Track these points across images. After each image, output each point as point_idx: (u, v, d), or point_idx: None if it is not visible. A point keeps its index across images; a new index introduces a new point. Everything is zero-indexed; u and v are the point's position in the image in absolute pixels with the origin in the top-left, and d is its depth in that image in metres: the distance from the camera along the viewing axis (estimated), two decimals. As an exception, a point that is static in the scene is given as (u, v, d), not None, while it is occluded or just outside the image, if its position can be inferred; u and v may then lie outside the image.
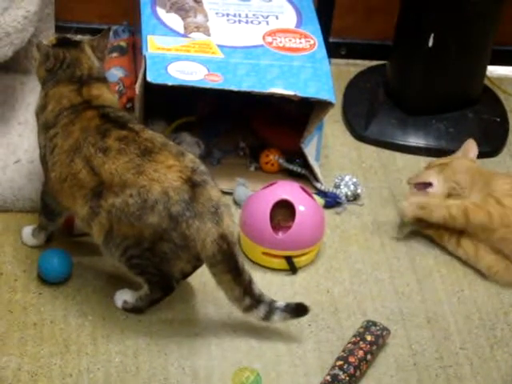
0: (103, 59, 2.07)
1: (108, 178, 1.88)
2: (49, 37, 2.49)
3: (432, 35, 2.46)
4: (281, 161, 2.40)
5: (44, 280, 2.07)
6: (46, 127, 2.00)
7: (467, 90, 2.62)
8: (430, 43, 2.47)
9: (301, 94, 2.24)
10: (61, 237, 2.17)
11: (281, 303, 1.95)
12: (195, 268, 1.99)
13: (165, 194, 1.86)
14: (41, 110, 2.03)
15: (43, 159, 2.02)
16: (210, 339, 2.00)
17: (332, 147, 2.54)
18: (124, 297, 2.02)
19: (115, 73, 2.56)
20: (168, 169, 1.87)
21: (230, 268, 1.88)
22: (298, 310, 1.96)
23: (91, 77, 2.03)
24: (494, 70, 2.81)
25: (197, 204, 1.86)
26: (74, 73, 2.01)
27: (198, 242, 1.87)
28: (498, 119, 2.64)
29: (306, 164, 2.38)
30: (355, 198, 2.38)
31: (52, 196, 2.01)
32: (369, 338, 1.98)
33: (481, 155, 2.51)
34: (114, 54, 2.62)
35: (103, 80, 2.06)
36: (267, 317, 1.94)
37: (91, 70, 2.03)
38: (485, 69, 2.63)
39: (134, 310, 2.02)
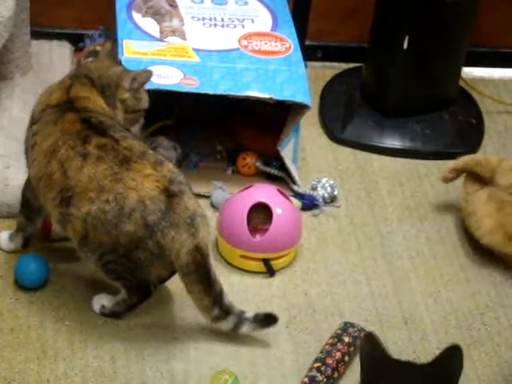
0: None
1: (85, 181, 1.87)
2: (24, 42, 2.50)
3: (407, 37, 2.47)
4: (258, 164, 2.41)
5: (21, 285, 2.06)
6: (31, 121, 2.00)
7: (443, 91, 2.63)
8: (405, 45, 2.49)
9: (277, 97, 2.25)
10: (37, 242, 2.17)
11: (249, 314, 1.95)
12: (172, 273, 1.99)
13: (141, 202, 1.85)
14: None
15: (26, 153, 2.02)
16: (187, 343, 2.00)
17: (309, 150, 2.55)
18: (102, 301, 2.02)
19: (91, 77, 2.56)
20: (145, 178, 1.87)
21: (202, 278, 1.89)
22: (266, 321, 1.96)
23: (87, 77, 2.01)
24: (469, 72, 2.83)
25: (173, 214, 1.86)
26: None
27: (172, 252, 1.87)
28: (474, 121, 2.66)
29: (283, 167, 2.39)
30: (332, 200, 2.39)
31: (31, 191, 2.01)
32: (346, 339, 1.98)
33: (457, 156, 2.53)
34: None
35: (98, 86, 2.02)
36: (236, 328, 1.94)
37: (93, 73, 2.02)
38: (460, 70, 2.65)
39: (112, 314, 2.02)
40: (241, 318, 1.94)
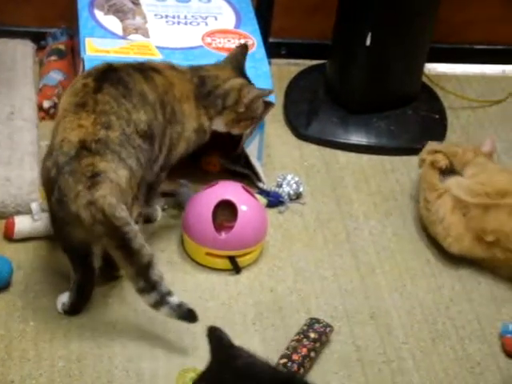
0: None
1: (61, 106, 2.00)
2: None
3: (369, 34, 2.48)
4: (223, 161, 2.40)
5: (-16, 286, 2.05)
6: None
7: (406, 87, 2.65)
8: (368, 42, 2.50)
9: (241, 94, 2.25)
10: (1, 242, 2.15)
11: (174, 300, 1.93)
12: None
13: (61, 143, 1.91)
14: None
15: None
16: (154, 341, 1.99)
17: (274, 147, 2.55)
18: (62, 300, 2.02)
19: (54, 76, 2.54)
20: (78, 126, 1.93)
21: (118, 245, 1.89)
22: (186, 315, 1.95)
23: (198, 76, 2.14)
24: (432, 68, 2.85)
25: (77, 163, 1.89)
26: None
27: (70, 201, 1.88)
28: (437, 116, 2.67)
29: (248, 164, 2.39)
30: (297, 196, 2.39)
31: None
32: (312, 335, 1.99)
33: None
34: (53, 58, 2.61)
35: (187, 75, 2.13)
36: (156, 306, 1.93)
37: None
38: (422, 66, 2.67)
39: (72, 309, 2.01)
40: (164, 299, 1.93)
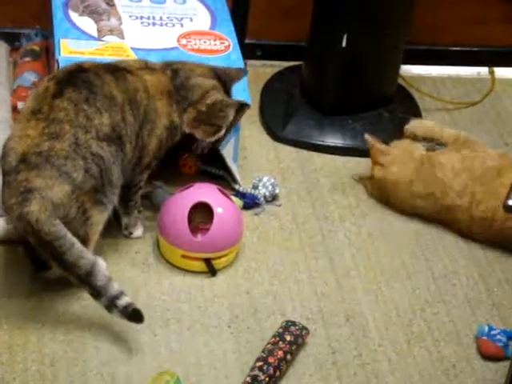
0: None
1: (24, 108, 2.03)
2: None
3: (345, 35, 2.49)
4: (199, 163, 2.40)
5: (-43, 290, 2.04)
6: None
7: (381, 89, 2.65)
8: (344, 43, 2.50)
9: (216, 95, 2.24)
10: (-26, 245, 2.14)
11: (122, 303, 1.92)
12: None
13: (9, 151, 1.94)
14: None
15: None
16: (129, 344, 1.98)
17: (250, 148, 2.55)
18: None
19: (28, 77, 2.53)
20: (25, 136, 1.95)
21: (52, 256, 1.91)
22: (131, 316, 1.93)
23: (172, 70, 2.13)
24: (408, 70, 2.86)
25: (14, 176, 1.92)
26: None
27: (6, 209, 1.93)
28: (413, 118, 2.67)
29: (224, 165, 2.38)
30: (273, 198, 2.39)
31: None
32: (288, 337, 1.99)
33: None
34: (27, 59, 2.59)
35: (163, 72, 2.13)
36: (108, 309, 1.94)
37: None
38: (398, 68, 2.68)
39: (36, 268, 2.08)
40: (113, 303, 1.93)
